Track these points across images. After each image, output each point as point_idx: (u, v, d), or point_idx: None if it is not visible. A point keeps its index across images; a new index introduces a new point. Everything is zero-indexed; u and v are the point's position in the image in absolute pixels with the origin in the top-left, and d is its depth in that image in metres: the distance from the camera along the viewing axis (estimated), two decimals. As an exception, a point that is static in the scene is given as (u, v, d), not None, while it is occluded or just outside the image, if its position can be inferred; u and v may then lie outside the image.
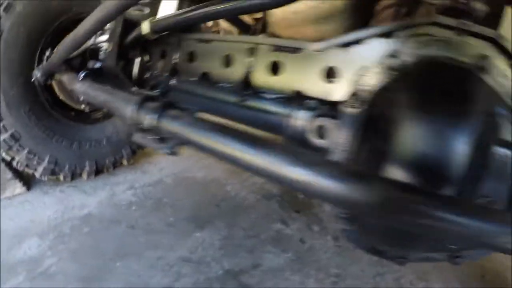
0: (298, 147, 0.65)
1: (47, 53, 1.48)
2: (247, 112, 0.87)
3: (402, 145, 0.59)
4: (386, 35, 0.62)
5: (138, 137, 0.81)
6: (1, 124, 1.47)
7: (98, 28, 0.96)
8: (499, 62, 0.53)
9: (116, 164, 1.84)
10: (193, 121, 0.65)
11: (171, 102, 0.74)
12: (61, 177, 1.68)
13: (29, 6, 1.45)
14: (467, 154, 0.56)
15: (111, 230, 1.47)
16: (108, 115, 1.73)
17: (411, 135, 0.59)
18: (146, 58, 1.16)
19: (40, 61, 1.49)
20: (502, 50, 0.53)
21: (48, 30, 1.51)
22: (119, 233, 1.45)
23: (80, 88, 1.13)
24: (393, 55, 0.58)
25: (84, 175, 1.74)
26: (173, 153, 0.78)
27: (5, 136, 1.49)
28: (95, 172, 1.77)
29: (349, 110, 0.63)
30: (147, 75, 1.17)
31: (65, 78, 1.21)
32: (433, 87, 0.57)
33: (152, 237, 1.45)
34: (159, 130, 0.72)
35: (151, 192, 1.75)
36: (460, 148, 0.56)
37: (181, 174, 1.93)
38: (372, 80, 0.61)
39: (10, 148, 1.51)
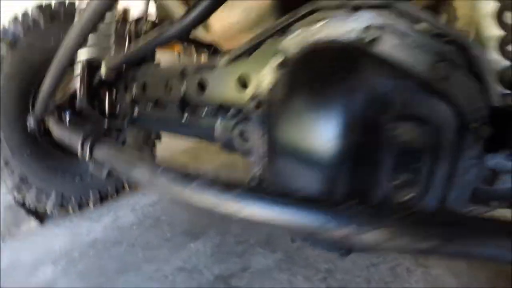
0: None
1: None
2: (189, 128, 0.98)
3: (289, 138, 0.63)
4: (280, 34, 0.70)
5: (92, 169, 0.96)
6: (9, 168, 1.68)
7: (65, 65, 1.12)
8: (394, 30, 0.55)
9: (119, 190, 2.01)
10: (119, 153, 0.78)
11: (101, 136, 0.89)
12: (70, 209, 1.86)
13: (13, 66, 1.67)
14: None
15: (113, 250, 1.61)
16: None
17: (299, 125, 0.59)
18: (114, 93, 1.31)
19: (33, 108, 1.70)
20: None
21: (35, 83, 1.70)
22: (121, 252, 1.59)
23: (56, 132, 1.30)
24: (280, 52, 0.66)
25: (90, 204, 1.91)
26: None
27: (14, 178, 1.70)
28: (100, 200, 1.94)
29: (253, 112, 0.72)
30: (118, 108, 1.31)
31: (50, 123, 1.39)
32: (319, 74, 0.58)
33: (150, 252, 1.57)
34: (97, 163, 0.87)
35: (150, 212, 1.88)
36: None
37: (177, 191, 2.05)
38: (267, 80, 0.70)
39: (19, 189, 1.72)
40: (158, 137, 2.16)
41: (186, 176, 0.62)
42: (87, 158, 0.95)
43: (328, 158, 0.54)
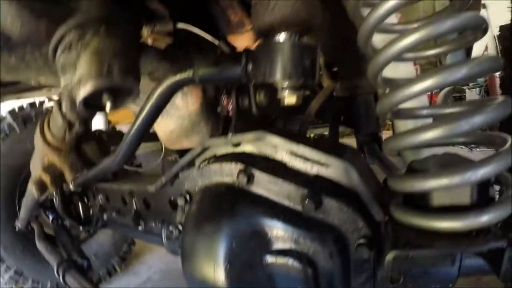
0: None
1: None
2: (145, 236, 1.08)
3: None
4: (187, 167, 0.81)
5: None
6: (5, 265, 1.81)
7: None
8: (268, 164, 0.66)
9: (111, 273, 2.07)
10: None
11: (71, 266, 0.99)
12: (66, 296, 1.93)
13: None
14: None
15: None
16: (90, 235, 2.00)
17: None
18: (86, 201, 1.42)
19: (19, 209, 1.81)
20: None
21: (17, 184, 1.85)
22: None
23: (38, 245, 1.42)
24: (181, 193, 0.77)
25: (85, 290, 1.97)
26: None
27: (10, 273, 1.82)
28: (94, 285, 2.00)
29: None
30: (91, 212, 1.42)
31: (36, 230, 1.50)
32: (208, 212, 0.68)
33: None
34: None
35: (142, 292, 1.94)
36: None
37: (167, 268, 2.11)
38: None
39: (17, 282, 1.83)
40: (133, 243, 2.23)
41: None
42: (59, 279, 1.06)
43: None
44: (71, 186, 1.28)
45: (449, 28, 0.49)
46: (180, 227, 0.82)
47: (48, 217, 1.60)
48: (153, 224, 1.04)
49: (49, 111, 1.02)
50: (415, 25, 0.54)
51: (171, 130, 1.17)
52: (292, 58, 0.59)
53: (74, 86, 0.57)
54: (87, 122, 0.80)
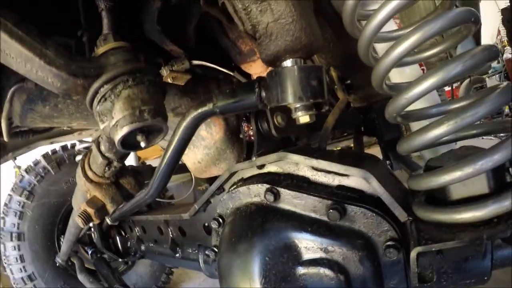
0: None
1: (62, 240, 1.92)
2: (182, 263, 1.13)
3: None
4: (218, 192, 0.86)
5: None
6: None
7: (78, 233, 1.33)
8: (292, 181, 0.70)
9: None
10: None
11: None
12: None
13: (35, 208, 1.95)
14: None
15: None
16: (129, 267, 2.08)
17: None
18: (123, 234, 1.50)
19: (60, 246, 1.93)
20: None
21: (56, 222, 1.98)
22: None
23: (79, 277, 1.51)
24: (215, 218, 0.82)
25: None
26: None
27: None
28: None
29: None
30: (129, 244, 1.50)
31: (76, 264, 1.60)
32: (240, 231, 0.72)
33: None
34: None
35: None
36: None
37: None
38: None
39: None
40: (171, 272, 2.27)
41: None
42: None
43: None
44: (108, 221, 1.37)
45: (441, 27, 0.53)
46: (215, 249, 0.87)
47: (87, 252, 1.71)
48: (190, 250, 1.09)
49: (88, 151, 1.13)
50: (409, 30, 0.57)
51: (199, 160, 1.23)
52: (300, 81, 0.63)
53: (112, 129, 0.66)
54: (123, 158, 0.88)
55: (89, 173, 0.95)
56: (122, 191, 0.99)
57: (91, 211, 0.97)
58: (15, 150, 1.67)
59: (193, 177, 1.49)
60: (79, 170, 0.98)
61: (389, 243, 0.61)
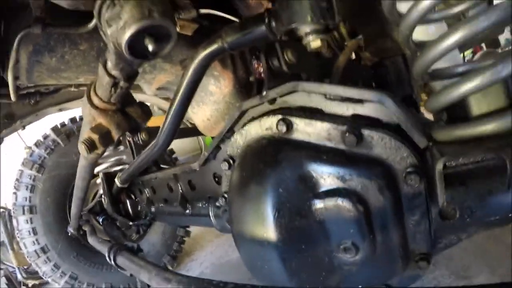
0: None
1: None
2: (193, 220, 1.12)
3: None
4: (228, 135, 0.83)
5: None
6: (60, 270, 1.95)
7: (86, 186, 1.34)
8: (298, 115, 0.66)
9: (165, 273, 2.15)
10: (133, 262, 0.94)
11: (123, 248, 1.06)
12: (120, 298, 2.04)
13: (46, 181, 1.97)
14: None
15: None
16: (141, 236, 2.11)
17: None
18: (133, 197, 1.50)
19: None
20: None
21: (67, 193, 1.99)
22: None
23: (90, 241, 1.53)
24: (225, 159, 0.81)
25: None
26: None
27: (66, 278, 1.97)
28: (147, 285, 2.10)
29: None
30: (139, 208, 1.50)
31: (86, 231, 1.61)
32: (254, 167, 0.69)
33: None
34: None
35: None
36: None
37: (218, 261, 2.16)
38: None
39: (73, 286, 1.97)
40: (187, 234, 2.30)
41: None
42: (112, 264, 1.13)
43: (271, 238, 0.64)
44: (118, 183, 1.37)
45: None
46: (226, 195, 0.85)
47: (99, 222, 1.73)
48: (200, 205, 1.08)
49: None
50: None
51: (208, 117, 1.21)
52: (309, 2, 0.61)
53: (119, 31, 0.63)
54: (130, 79, 0.85)
55: (95, 99, 0.92)
56: (129, 119, 0.96)
57: (95, 137, 0.93)
58: (23, 118, 1.67)
59: (202, 146, 1.47)
60: (84, 99, 0.96)
61: (409, 169, 0.58)
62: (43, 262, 1.96)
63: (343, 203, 0.60)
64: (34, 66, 1.00)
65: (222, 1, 1.24)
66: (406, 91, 1.42)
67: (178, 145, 2.81)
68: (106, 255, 1.18)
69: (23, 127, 1.79)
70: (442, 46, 0.50)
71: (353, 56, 1.40)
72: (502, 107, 0.51)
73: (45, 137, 2.06)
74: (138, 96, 1.92)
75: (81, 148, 0.94)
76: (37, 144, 2.04)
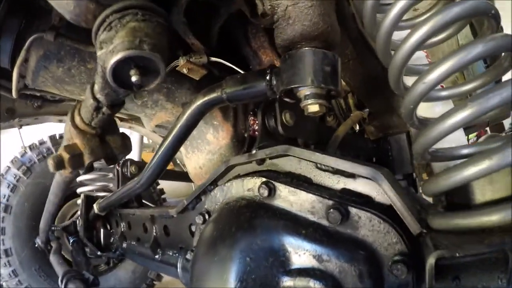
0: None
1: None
2: (161, 267, 1.03)
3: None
4: (210, 188, 0.78)
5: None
6: (17, 279, 1.82)
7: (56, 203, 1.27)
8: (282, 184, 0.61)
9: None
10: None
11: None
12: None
13: (29, 186, 1.91)
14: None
15: None
16: (110, 268, 1.97)
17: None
18: (108, 228, 1.42)
19: None
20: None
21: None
22: None
23: (50, 258, 1.43)
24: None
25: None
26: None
27: None
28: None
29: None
30: (112, 240, 1.41)
31: (53, 247, 1.52)
32: (224, 228, 0.64)
33: None
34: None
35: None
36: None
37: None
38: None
39: None
40: (159, 278, 2.17)
41: None
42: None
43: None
44: (96, 209, 1.30)
45: (477, 55, 0.47)
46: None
47: (69, 241, 1.64)
48: (170, 253, 1.00)
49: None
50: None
51: (201, 165, 1.17)
52: (313, 64, 0.60)
53: (107, 55, 0.62)
54: (114, 107, 0.83)
55: (77, 119, 0.89)
56: (105, 147, 0.92)
57: (66, 156, 0.88)
58: (23, 117, 1.65)
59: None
60: (69, 115, 0.93)
61: (397, 257, 0.52)
62: (3, 265, 1.85)
63: (315, 286, 0.53)
64: (41, 71, 1.01)
65: (236, 53, 1.27)
66: (407, 170, 1.38)
67: (174, 186, 2.75)
68: (59, 278, 1.13)
69: (21, 126, 1.77)
70: (446, 124, 0.47)
71: (358, 128, 1.40)
72: (509, 195, 0.46)
73: (41, 142, 2.05)
74: (141, 130, 1.93)
75: (49, 163, 0.90)
76: (31, 147, 2.02)
